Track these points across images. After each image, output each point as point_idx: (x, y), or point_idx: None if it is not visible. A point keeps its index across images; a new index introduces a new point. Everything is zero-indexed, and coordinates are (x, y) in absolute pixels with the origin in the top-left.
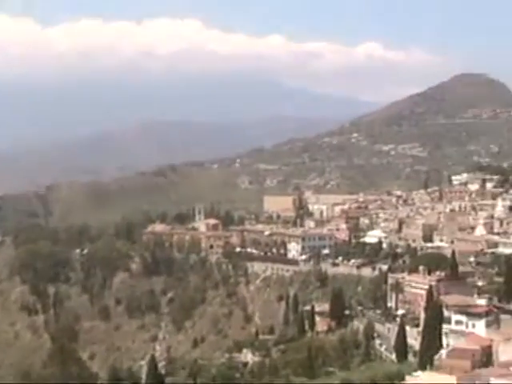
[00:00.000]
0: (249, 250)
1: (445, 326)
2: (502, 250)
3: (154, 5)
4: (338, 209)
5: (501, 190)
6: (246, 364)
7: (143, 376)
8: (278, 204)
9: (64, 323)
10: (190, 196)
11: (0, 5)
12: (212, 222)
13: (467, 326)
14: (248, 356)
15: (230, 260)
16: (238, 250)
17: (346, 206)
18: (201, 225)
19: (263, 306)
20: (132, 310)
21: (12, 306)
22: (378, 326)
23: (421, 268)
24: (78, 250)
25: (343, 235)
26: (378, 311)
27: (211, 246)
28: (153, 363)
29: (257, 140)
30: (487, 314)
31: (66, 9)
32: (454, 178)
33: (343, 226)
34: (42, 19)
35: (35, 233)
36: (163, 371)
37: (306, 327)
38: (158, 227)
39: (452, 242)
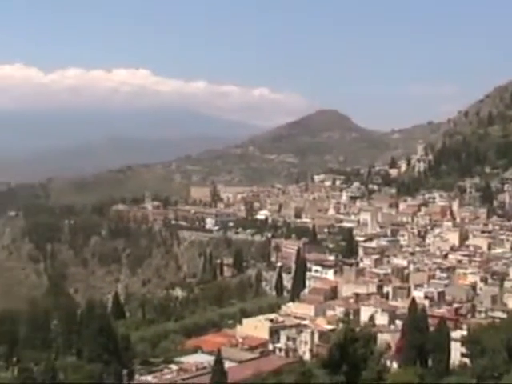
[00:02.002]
0: (180, 222)
1: (308, 274)
2: (345, 224)
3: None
4: (239, 196)
5: (345, 185)
6: (177, 298)
7: (110, 304)
8: (200, 193)
9: (57, 269)
10: (141, 186)
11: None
12: (156, 203)
13: (322, 274)
14: (179, 292)
15: (168, 229)
16: (173, 222)
17: (244, 194)
18: (148, 205)
19: (189, 259)
20: (102, 261)
21: (23, 257)
22: (264, 273)
23: (293, 235)
24: (66, 221)
25: (242, 213)
26: (265, 263)
27: (155, 220)
28: (116, 296)
29: (185, 151)
30: (335, 265)
31: (60, 60)
32: (315, 177)
33: (242, 207)
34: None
35: (38, 209)
36: (123, 301)
37: (217, 273)
38: (120, 207)
39: (313, 219)
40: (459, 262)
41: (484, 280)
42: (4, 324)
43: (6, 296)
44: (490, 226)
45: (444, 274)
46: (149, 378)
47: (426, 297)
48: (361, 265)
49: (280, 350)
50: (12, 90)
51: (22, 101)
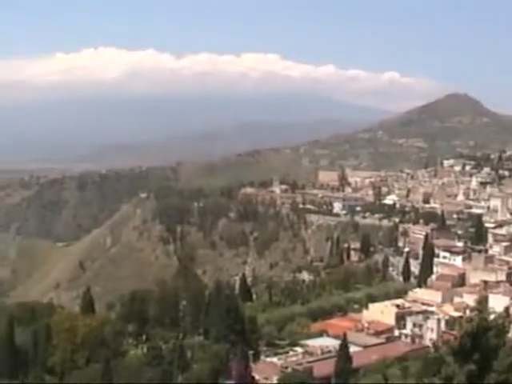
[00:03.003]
0: (308, 206)
1: (435, 260)
2: (474, 210)
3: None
4: (367, 181)
5: (475, 171)
6: (304, 281)
7: (237, 286)
8: (328, 177)
9: (186, 251)
10: (269, 170)
11: None
12: (284, 187)
13: (450, 260)
14: (305, 276)
15: (295, 213)
16: (300, 206)
17: (372, 179)
18: (276, 189)
19: (316, 243)
20: (230, 243)
21: (154, 238)
22: (391, 259)
23: (421, 221)
24: (196, 203)
25: (370, 198)
26: (392, 249)
27: (283, 203)
28: (243, 278)
29: (313, 135)
30: (463, 252)
31: (191, 45)
32: (444, 162)
33: (370, 192)
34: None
35: (169, 191)
36: (250, 284)
37: (344, 258)
38: (249, 190)
39: (442, 204)
40: None
41: None
42: (135, 303)
43: (136, 276)
44: None
45: None
46: (274, 359)
47: None
48: (490, 252)
49: (406, 336)
50: (145, 76)
51: (154, 86)
